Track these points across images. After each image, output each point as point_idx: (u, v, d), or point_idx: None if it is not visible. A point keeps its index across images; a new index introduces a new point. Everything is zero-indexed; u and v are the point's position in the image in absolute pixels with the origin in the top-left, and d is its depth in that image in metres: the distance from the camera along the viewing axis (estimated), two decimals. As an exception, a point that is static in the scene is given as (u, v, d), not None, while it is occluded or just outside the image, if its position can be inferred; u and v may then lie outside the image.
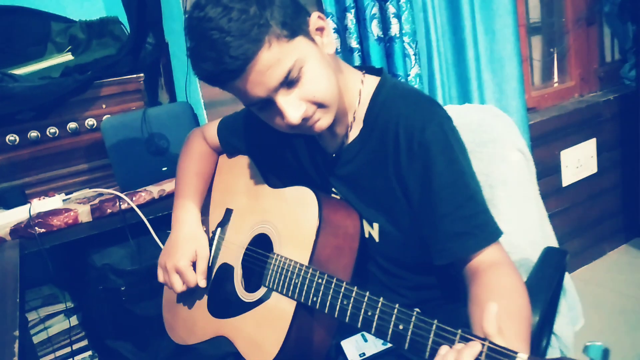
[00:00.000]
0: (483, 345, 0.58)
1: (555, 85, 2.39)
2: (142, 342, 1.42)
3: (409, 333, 0.66)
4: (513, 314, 0.70)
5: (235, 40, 0.71)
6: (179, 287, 1.01)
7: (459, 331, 0.61)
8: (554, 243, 1.20)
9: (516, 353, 0.55)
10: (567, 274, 1.28)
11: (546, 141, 2.13)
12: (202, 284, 1.02)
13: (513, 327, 0.67)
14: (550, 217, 2.25)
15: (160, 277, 1.05)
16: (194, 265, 1.03)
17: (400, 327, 0.68)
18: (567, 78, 2.39)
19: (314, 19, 0.81)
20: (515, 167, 1.12)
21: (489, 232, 0.82)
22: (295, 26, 0.76)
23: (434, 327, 0.64)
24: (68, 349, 1.49)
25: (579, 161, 2.24)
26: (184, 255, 1.01)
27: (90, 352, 1.53)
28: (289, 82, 0.77)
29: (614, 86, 2.44)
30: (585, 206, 2.33)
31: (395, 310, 0.69)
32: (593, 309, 2.05)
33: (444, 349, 0.61)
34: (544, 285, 0.91)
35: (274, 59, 0.74)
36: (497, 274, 0.77)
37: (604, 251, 2.45)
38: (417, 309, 0.67)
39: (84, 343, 1.54)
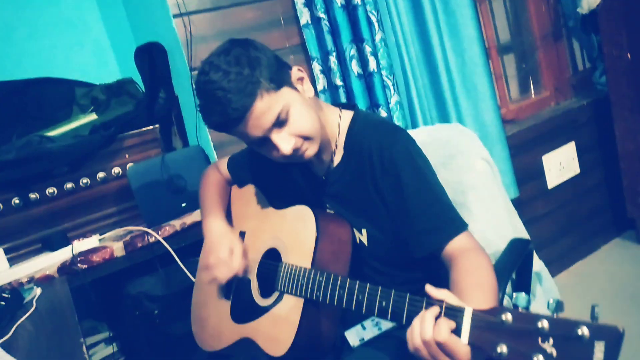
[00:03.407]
0: (441, 306, 0.76)
1: (532, 97, 2.59)
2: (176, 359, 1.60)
3: (390, 306, 0.85)
4: (480, 286, 0.88)
5: (234, 96, 0.92)
6: (225, 275, 1.13)
7: (424, 298, 0.80)
8: (524, 235, 1.38)
9: (463, 307, 0.74)
10: (542, 264, 1.46)
11: (527, 148, 2.32)
12: (242, 269, 1.15)
13: (480, 296, 0.85)
14: (539, 218, 2.44)
15: (204, 277, 1.19)
16: None
17: (384, 303, 0.87)
18: (542, 89, 2.59)
19: (295, 72, 1.03)
20: (482, 174, 1.31)
21: (455, 225, 1.01)
22: (280, 79, 0.97)
23: (407, 298, 0.83)
24: (112, 372, 1.67)
25: (561, 164, 2.42)
26: (223, 249, 1.16)
27: (131, 374, 1.71)
28: (279, 123, 0.97)
29: (587, 92, 2.63)
30: (573, 205, 2.49)
31: (379, 291, 0.88)
32: (590, 300, 2.19)
33: (415, 320, 0.78)
34: (507, 269, 1.09)
35: (266, 107, 0.95)
36: (467, 257, 0.95)
37: (598, 245, 2.59)
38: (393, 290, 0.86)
39: (125, 367, 1.72)
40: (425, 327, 0.75)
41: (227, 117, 0.94)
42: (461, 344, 0.72)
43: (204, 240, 1.24)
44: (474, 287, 0.87)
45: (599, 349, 0.60)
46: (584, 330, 0.61)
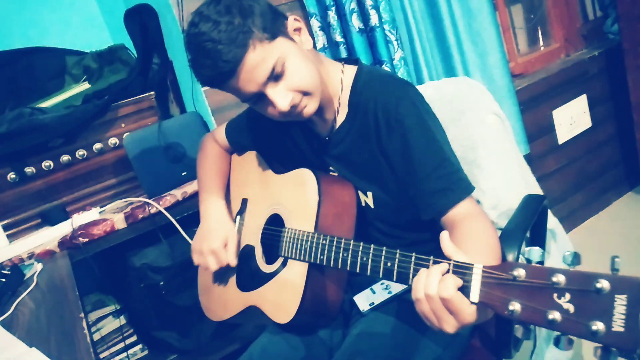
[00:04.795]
0: (449, 263, 0.72)
1: (541, 49, 2.49)
2: (184, 329, 1.59)
3: (395, 267, 0.81)
4: (484, 252, 0.83)
5: (225, 47, 0.86)
6: (214, 266, 1.13)
7: (431, 257, 0.75)
8: (538, 191, 1.32)
9: (472, 264, 0.69)
10: (556, 220, 1.40)
11: (537, 103, 2.23)
12: (234, 262, 1.14)
13: (485, 261, 0.80)
14: (550, 175, 2.38)
15: (196, 260, 1.17)
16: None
17: (389, 264, 0.82)
18: (551, 41, 2.49)
19: (291, 22, 0.96)
20: (492, 129, 1.24)
21: (464, 187, 0.96)
22: (275, 29, 0.90)
23: (413, 258, 0.78)
24: (121, 345, 1.66)
25: (572, 118, 2.34)
26: (217, 239, 1.14)
27: (140, 346, 1.70)
28: (275, 76, 0.91)
29: (599, 42, 2.52)
30: (584, 160, 2.42)
31: (383, 252, 0.84)
32: (605, 256, 2.14)
33: (422, 272, 0.74)
34: (522, 227, 1.03)
35: (259, 58, 0.88)
36: (471, 222, 0.91)
37: (610, 200, 2.54)
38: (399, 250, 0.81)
39: (134, 338, 1.71)
40: (431, 282, 0.70)
41: (218, 71, 0.88)
42: (466, 303, 0.68)
43: (200, 222, 1.20)
44: (478, 252, 0.82)
45: (620, 302, 0.55)
46: (603, 284, 0.56)
